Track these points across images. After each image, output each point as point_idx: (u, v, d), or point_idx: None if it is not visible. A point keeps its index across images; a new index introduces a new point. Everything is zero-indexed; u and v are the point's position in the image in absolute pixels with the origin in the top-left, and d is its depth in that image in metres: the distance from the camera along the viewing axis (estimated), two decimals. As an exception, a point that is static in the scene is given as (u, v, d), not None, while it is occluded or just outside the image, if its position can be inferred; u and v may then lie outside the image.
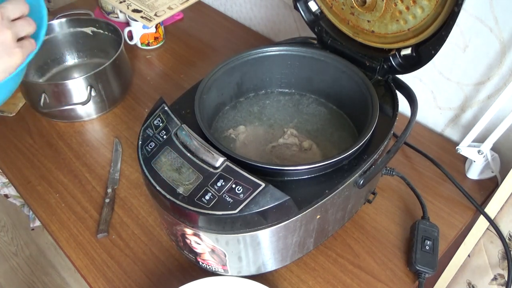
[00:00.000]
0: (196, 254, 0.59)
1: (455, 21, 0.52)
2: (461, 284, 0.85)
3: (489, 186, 0.76)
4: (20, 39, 0.46)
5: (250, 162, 0.52)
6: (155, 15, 0.98)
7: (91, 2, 1.21)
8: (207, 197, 0.49)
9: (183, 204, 0.50)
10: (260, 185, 0.49)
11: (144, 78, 0.98)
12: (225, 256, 0.56)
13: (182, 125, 0.54)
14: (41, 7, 0.49)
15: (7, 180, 1.44)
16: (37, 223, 1.63)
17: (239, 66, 0.67)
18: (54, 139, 0.85)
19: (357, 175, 0.55)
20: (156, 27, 1.03)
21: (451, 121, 0.83)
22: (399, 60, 0.63)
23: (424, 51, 0.59)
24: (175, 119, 0.55)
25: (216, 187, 0.50)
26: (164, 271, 0.65)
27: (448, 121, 0.84)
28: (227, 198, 0.49)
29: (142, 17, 0.98)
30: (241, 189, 0.49)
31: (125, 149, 0.83)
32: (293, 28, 1.03)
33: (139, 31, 1.03)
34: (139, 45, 1.06)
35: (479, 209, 0.71)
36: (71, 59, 0.99)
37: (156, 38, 1.05)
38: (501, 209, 0.70)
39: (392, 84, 0.65)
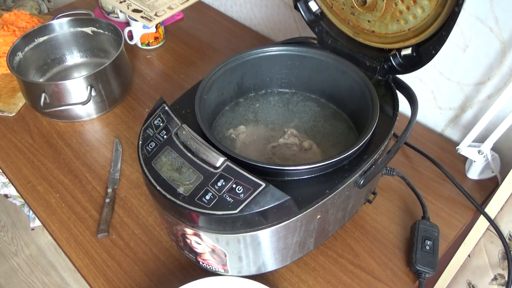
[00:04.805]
0: (196, 254, 0.59)
1: (455, 21, 0.52)
2: (461, 284, 0.85)
3: (489, 186, 0.76)
4: None
5: (250, 162, 0.52)
6: (155, 15, 0.98)
7: (91, 2, 1.21)
8: (207, 197, 0.49)
9: (183, 204, 0.50)
10: (261, 185, 0.49)
11: (144, 78, 0.98)
12: (226, 256, 0.56)
13: (183, 125, 0.54)
14: None
15: (7, 180, 1.44)
16: (37, 223, 1.63)
17: (239, 66, 0.67)
18: (54, 139, 0.85)
19: (357, 175, 0.55)
20: (156, 27, 1.03)
21: (451, 121, 0.83)
22: (400, 60, 0.63)
23: (425, 51, 0.59)
24: (176, 119, 0.55)
25: (216, 187, 0.49)
26: (164, 271, 0.65)
27: (448, 121, 0.84)
28: (228, 198, 0.49)
29: (142, 17, 0.98)
30: (242, 189, 0.49)
31: (125, 149, 0.83)
32: (293, 28, 1.03)
33: (139, 31, 1.03)
34: (139, 45, 1.06)
35: (479, 209, 0.71)
36: (71, 59, 0.99)
37: (156, 38, 1.05)
38: (501, 209, 0.70)
39: (392, 84, 0.65)
